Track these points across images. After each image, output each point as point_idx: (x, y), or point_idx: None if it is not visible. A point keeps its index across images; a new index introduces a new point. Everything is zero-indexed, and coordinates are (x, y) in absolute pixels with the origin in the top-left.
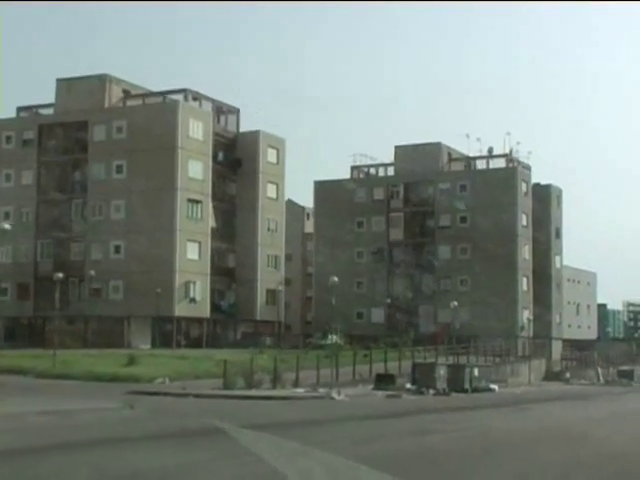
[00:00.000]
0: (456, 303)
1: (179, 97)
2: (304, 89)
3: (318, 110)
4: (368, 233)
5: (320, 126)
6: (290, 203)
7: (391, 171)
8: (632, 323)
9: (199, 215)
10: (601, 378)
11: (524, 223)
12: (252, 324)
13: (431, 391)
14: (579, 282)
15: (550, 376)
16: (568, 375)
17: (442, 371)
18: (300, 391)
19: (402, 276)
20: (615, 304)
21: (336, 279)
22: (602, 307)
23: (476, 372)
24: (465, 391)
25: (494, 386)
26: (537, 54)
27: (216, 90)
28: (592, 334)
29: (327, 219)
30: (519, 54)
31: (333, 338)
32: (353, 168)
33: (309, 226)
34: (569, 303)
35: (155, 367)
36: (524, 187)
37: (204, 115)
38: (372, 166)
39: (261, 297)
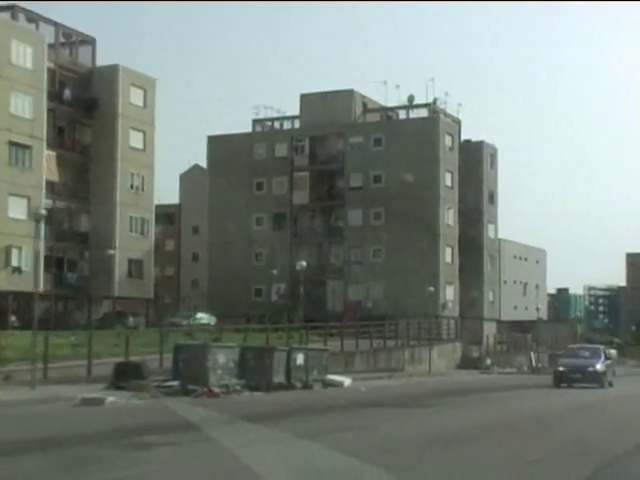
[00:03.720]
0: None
1: (5, 15)
2: (208, 39)
3: (219, 59)
4: (269, 196)
5: (220, 74)
6: (198, 168)
7: (298, 125)
8: (593, 307)
9: (28, 163)
10: (534, 363)
11: (448, 183)
12: (119, 301)
13: (205, 389)
14: (526, 260)
15: (467, 363)
16: (489, 362)
17: (224, 359)
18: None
19: (308, 246)
20: (576, 288)
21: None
22: (563, 291)
23: (300, 359)
24: (274, 388)
25: (341, 379)
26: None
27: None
28: (542, 316)
29: (222, 181)
30: None
31: (202, 317)
32: (255, 122)
33: None
34: (515, 282)
35: None
36: (449, 141)
37: (35, 38)
38: (276, 119)
39: (120, 269)
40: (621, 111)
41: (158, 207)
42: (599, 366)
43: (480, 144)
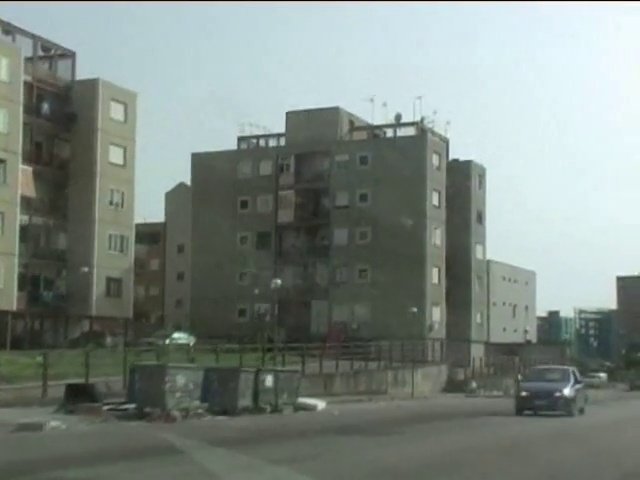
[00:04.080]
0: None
1: None
2: (193, 53)
3: (204, 74)
4: (253, 215)
5: (205, 91)
6: (184, 186)
7: (284, 142)
8: (584, 330)
9: (2, 178)
10: None
11: (435, 203)
12: (99, 321)
13: (162, 413)
14: (516, 281)
15: (453, 386)
16: (474, 385)
17: (183, 380)
18: None
19: (293, 265)
20: (567, 311)
21: None
22: (554, 314)
23: (269, 381)
24: (240, 412)
25: (314, 402)
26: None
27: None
28: (531, 338)
29: (206, 199)
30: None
31: (180, 337)
32: (240, 139)
33: None
34: (504, 304)
35: None
36: (436, 160)
37: (11, 50)
38: (262, 137)
39: (98, 287)
40: (615, 133)
41: (143, 225)
42: (567, 391)
43: (468, 163)
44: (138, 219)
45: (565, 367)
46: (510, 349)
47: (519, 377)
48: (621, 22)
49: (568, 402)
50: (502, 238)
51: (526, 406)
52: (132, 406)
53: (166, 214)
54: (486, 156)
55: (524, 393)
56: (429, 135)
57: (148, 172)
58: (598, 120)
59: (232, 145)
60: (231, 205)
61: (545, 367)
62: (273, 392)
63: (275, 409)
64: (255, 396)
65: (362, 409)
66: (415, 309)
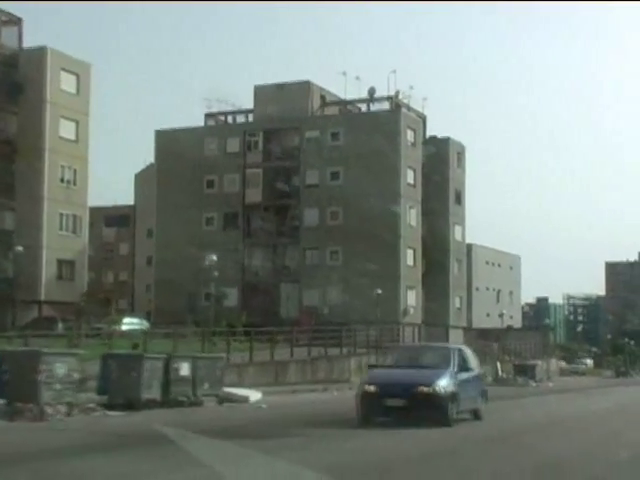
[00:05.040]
0: None
1: None
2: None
3: (170, 49)
4: (220, 194)
5: (171, 66)
6: (154, 167)
7: (252, 119)
8: (572, 317)
9: None
10: (500, 374)
11: (410, 181)
12: (50, 306)
13: (35, 409)
14: (500, 266)
15: None
16: None
17: (64, 370)
18: None
19: (262, 247)
20: (557, 298)
21: None
22: (543, 301)
23: (185, 369)
24: (145, 405)
25: (246, 393)
26: None
27: None
28: (516, 324)
29: (171, 178)
30: None
31: (131, 322)
32: (207, 116)
33: None
34: (488, 289)
35: None
36: (411, 136)
37: None
38: (230, 113)
39: (48, 270)
40: (600, 111)
41: (112, 208)
42: (443, 383)
43: (446, 141)
44: (108, 201)
45: (450, 345)
46: (492, 335)
47: (498, 364)
48: None
49: (442, 402)
50: (486, 222)
51: (374, 410)
52: (2, 402)
53: (136, 196)
54: (472, 139)
55: (371, 387)
56: (403, 110)
57: (118, 152)
58: (590, 98)
59: (200, 122)
60: (197, 185)
61: (414, 345)
62: (190, 382)
63: (193, 402)
64: (165, 387)
65: (303, 401)
66: (380, 291)
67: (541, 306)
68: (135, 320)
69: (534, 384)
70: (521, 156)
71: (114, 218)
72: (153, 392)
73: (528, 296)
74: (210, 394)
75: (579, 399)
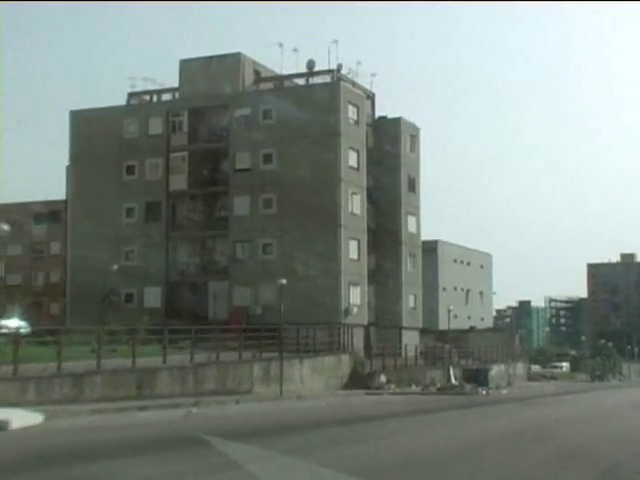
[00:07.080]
0: None
1: None
2: None
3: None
4: (141, 182)
5: (91, 42)
6: None
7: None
8: (555, 320)
9: None
10: (453, 380)
11: (353, 164)
12: None
13: None
14: (469, 264)
15: (358, 381)
16: (383, 379)
17: None
18: None
19: (188, 241)
20: (539, 301)
21: None
22: (525, 304)
23: None
24: None
25: (13, 415)
26: None
27: None
28: (487, 326)
29: (87, 164)
30: None
31: (7, 325)
32: (131, 95)
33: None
34: (456, 289)
35: None
36: (353, 113)
37: None
38: (155, 92)
39: None
40: (582, 103)
41: (41, 204)
42: None
43: (397, 121)
44: (37, 196)
45: None
46: (450, 337)
47: (450, 369)
48: None
49: None
50: (457, 219)
51: None
52: None
53: (67, 190)
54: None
55: None
56: (343, 83)
57: (49, 142)
58: (567, 83)
59: (122, 102)
60: (116, 171)
61: None
62: None
63: None
64: None
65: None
66: (284, 281)
67: (523, 309)
68: (14, 321)
69: (484, 392)
70: (495, 147)
71: (44, 214)
72: None
73: (510, 299)
74: None
75: (519, 411)
